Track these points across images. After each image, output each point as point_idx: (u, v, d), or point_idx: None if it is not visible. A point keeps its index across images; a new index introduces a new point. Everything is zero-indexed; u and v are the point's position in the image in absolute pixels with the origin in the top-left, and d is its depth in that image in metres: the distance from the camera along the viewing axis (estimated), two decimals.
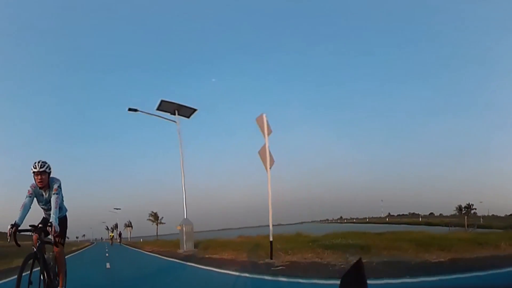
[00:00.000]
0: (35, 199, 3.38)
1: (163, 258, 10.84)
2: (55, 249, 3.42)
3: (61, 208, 3.55)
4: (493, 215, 64.46)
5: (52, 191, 3.33)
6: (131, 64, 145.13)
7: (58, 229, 3.12)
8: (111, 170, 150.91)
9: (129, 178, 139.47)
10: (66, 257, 10.69)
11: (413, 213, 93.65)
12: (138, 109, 15.03)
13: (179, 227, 13.67)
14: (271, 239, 6.56)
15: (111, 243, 32.95)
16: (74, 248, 25.84)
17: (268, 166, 6.42)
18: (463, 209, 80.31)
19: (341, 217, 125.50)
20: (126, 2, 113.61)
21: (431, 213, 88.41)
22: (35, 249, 3.06)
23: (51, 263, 3.43)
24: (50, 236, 3.27)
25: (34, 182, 3.31)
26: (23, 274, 2.77)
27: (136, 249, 19.76)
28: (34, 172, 3.25)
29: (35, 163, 3.27)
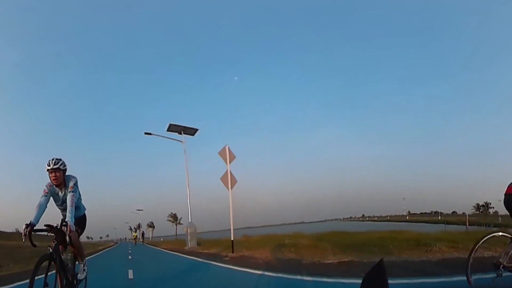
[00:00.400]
0: (51, 199, 3.35)
1: (170, 253, 14.31)
2: (73, 238, 3.23)
3: (79, 207, 3.52)
4: None
5: (68, 189, 3.28)
6: (154, 65, 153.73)
7: (74, 228, 3.07)
8: (133, 170, 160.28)
9: (151, 179, 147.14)
10: (97, 254, 15.12)
11: (435, 211, 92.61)
12: (152, 132, 18.55)
13: (185, 229, 17.10)
14: (232, 238, 9.63)
15: (135, 243, 35.85)
16: (100, 247, 30.26)
17: (230, 187, 9.46)
18: (481, 208, 79.92)
19: (363, 215, 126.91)
20: (146, 3, 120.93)
21: (454, 212, 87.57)
22: (51, 250, 2.97)
23: (69, 265, 3.36)
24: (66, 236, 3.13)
25: (49, 181, 3.28)
26: (38, 277, 2.70)
27: (154, 247, 23.50)
28: (48, 169, 3.23)
29: (49, 160, 3.24)
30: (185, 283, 5.52)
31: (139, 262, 10.80)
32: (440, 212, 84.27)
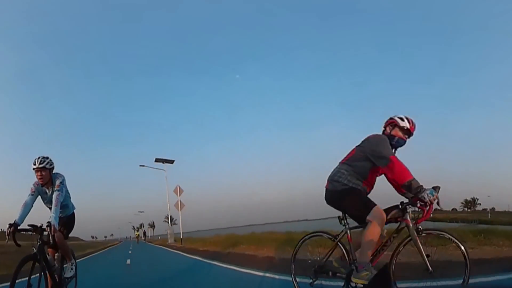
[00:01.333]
0: (39, 198, 3.46)
1: (156, 246, 23.95)
2: (57, 239, 3.22)
3: (67, 206, 3.66)
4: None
5: (54, 187, 3.36)
6: (156, 66, 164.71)
7: (57, 228, 3.13)
8: (136, 174, 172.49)
9: (153, 183, 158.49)
10: (110, 248, 26.84)
11: (435, 209, 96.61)
12: (145, 164, 27.95)
13: (167, 230, 26.67)
14: (181, 237, 18.93)
15: (137, 241, 42.84)
16: (109, 244, 40.38)
17: (180, 210, 18.74)
18: (469, 203, 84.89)
19: None
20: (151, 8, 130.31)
21: (454, 209, 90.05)
22: (35, 250, 3.01)
23: (56, 265, 3.45)
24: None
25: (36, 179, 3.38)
26: (22, 279, 2.73)
27: (149, 243, 33.27)
28: (34, 168, 3.30)
29: (35, 159, 3.32)
30: (149, 253, 15.10)
31: (136, 249, 20.48)
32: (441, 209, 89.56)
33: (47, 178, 3.36)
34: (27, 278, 2.79)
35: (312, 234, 3.19)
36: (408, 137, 2.76)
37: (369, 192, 2.88)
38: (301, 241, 3.20)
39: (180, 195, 18.80)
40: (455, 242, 2.48)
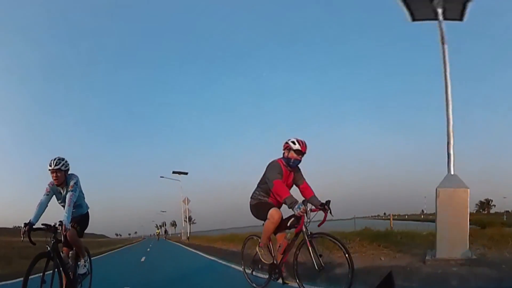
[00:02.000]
0: (54, 197, 3.69)
1: (171, 242, 31.09)
2: (68, 234, 3.47)
3: (81, 206, 3.94)
4: None
5: (68, 188, 3.58)
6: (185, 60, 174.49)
7: (68, 227, 3.31)
8: (157, 173, 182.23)
9: (173, 183, 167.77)
10: (138, 242, 36.36)
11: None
12: (164, 176, 34.76)
13: (181, 230, 33.83)
14: (188, 235, 25.77)
15: (158, 238, 48.63)
16: (134, 241, 48.48)
17: (187, 215, 25.55)
18: (484, 205, 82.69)
19: (384, 213, 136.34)
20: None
21: (477, 211, 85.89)
22: (48, 248, 3.19)
23: (69, 262, 3.68)
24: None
25: (52, 179, 3.61)
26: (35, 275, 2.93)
27: (168, 240, 40.60)
28: (49, 169, 3.52)
29: (51, 160, 3.53)
30: (162, 245, 22.19)
31: (155, 245, 27.48)
32: None
33: (62, 179, 3.60)
34: (41, 274, 3.01)
35: (249, 237, 4.23)
36: (302, 156, 3.43)
37: (277, 205, 3.55)
38: (244, 241, 4.26)
39: (188, 203, 25.43)
40: (339, 246, 2.99)
